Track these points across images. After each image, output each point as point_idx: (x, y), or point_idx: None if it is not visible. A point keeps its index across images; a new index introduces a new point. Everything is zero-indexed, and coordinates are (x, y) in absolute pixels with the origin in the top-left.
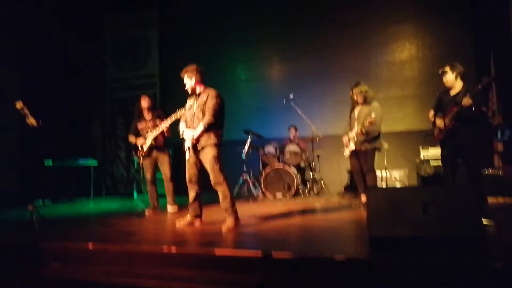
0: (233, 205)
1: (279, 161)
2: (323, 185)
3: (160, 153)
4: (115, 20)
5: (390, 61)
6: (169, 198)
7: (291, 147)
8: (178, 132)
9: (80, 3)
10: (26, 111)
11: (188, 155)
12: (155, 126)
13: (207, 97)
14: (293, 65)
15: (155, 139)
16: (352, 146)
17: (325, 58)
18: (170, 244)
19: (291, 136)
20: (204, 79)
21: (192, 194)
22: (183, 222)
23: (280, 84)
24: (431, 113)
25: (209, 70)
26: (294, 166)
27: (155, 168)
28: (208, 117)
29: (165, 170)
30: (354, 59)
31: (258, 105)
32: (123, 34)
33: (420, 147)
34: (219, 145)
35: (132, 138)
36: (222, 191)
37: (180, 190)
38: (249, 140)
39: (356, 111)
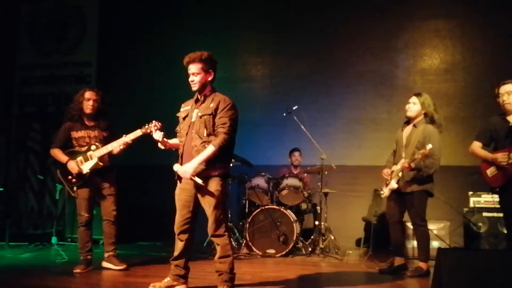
0: (232, 269)
1: (271, 200)
2: (332, 237)
3: (104, 182)
4: None
5: (425, 68)
6: (109, 248)
7: (291, 181)
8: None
9: None
10: None
11: (179, 190)
12: (101, 138)
13: (217, 106)
14: (291, 64)
15: (101, 159)
16: (393, 184)
17: (337, 58)
18: None
19: (295, 163)
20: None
21: (179, 245)
22: (159, 285)
23: (272, 89)
24: (477, 144)
25: (172, 62)
26: (292, 208)
27: (93, 203)
28: (222, 137)
29: (110, 206)
30: (377, 63)
31: (241, 118)
32: (46, 1)
33: (470, 193)
34: (225, 176)
35: (59, 155)
36: (222, 245)
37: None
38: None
39: (404, 134)
